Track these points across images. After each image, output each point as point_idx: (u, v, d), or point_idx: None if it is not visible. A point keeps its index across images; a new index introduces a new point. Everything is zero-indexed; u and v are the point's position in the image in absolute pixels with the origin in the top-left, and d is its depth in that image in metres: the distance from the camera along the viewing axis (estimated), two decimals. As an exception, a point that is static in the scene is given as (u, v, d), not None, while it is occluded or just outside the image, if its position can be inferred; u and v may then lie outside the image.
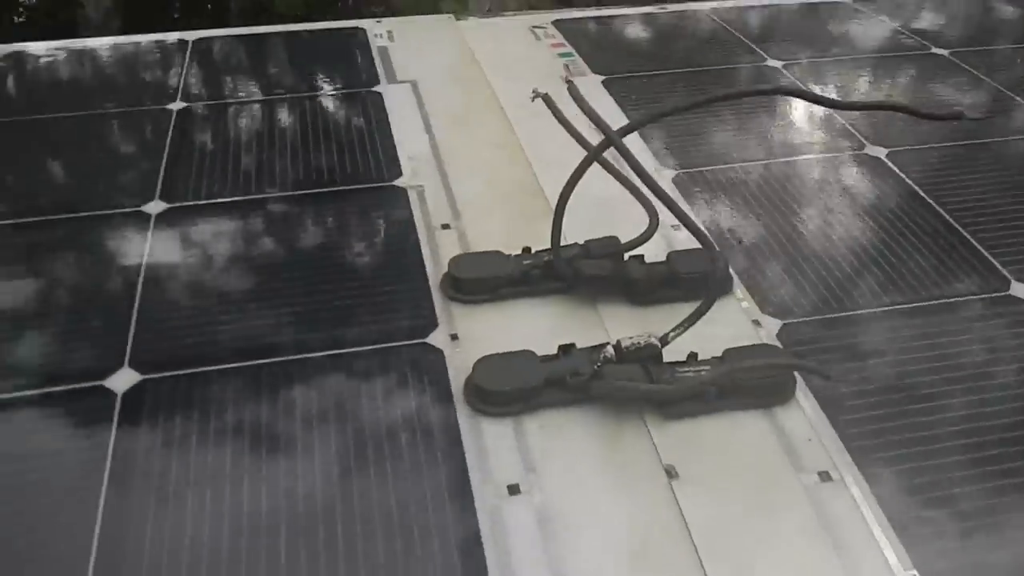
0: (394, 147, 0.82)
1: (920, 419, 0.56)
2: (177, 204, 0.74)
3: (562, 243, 0.66)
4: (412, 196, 0.75)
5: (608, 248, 0.65)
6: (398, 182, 0.77)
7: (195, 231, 0.71)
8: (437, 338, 0.61)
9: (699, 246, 0.70)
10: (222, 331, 0.61)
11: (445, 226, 0.71)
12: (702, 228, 0.56)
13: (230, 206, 0.74)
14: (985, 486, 0.52)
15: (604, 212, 0.72)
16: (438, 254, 0.68)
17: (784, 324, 0.63)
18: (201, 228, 0.71)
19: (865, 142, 0.84)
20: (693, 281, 0.63)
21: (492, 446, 0.54)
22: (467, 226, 0.71)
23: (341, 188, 0.76)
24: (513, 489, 0.52)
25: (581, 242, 0.66)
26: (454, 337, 0.61)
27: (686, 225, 0.56)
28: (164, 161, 0.79)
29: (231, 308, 0.63)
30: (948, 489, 0.52)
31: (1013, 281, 0.66)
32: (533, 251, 0.65)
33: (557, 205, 0.59)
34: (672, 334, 0.57)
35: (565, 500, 0.51)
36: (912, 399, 0.57)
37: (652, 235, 0.66)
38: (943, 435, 0.55)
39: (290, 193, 0.75)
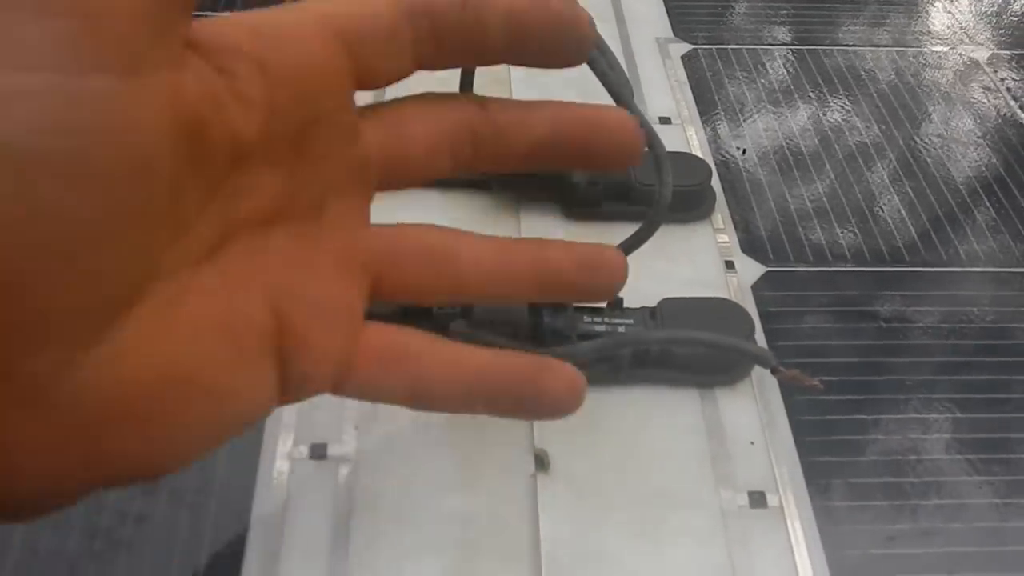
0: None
1: (929, 436, 0.39)
2: None
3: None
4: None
5: (549, 136, 0.48)
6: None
7: None
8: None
9: (684, 149, 0.53)
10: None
11: (364, 80, 0.55)
12: (643, 115, 0.39)
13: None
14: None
15: (581, 96, 0.55)
16: (340, 116, 0.53)
17: (767, 272, 0.46)
18: None
19: (965, 38, 0.63)
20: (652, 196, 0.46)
21: (312, 386, 0.40)
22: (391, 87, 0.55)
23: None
24: (317, 451, 0.38)
25: (519, 124, 0.49)
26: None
27: (613, 93, 0.38)
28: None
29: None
30: (948, 546, 0.36)
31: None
32: (453, 127, 0.49)
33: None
34: (590, 268, 0.41)
35: (383, 478, 0.37)
36: (921, 404, 0.40)
37: (616, 126, 0.48)
38: (952, 465, 0.38)
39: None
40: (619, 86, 0.38)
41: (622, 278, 0.28)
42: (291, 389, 0.24)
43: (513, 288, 0.27)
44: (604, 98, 0.39)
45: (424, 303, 0.28)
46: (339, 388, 0.26)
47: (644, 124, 0.38)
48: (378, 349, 0.26)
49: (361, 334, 0.26)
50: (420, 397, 0.26)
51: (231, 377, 0.22)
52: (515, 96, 0.55)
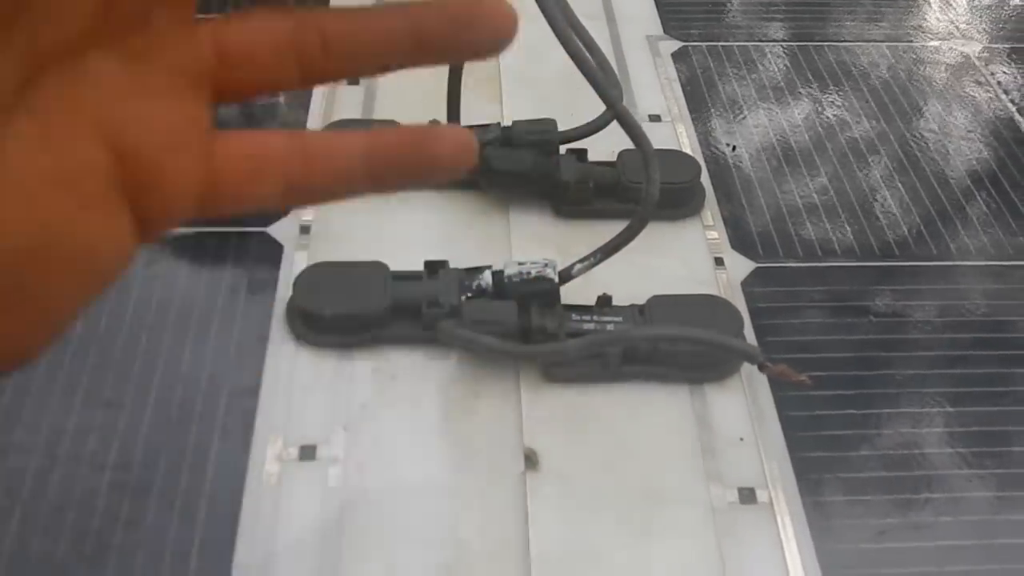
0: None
1: (919, 431, 0.39)
2: None
3: (481, 122, 0.49)
4: (329, 39, 0.59)
5: (538, 134, 0.48)
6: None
7: None
8: (281, 229, 0.46)
9: (674, 147, 0.53)
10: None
11: (353, 81, 0.55)
12: (631, 116, 0.39)
13: None
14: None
15: (572, 93, 0.55)
16: (330, 117, 0.53)
17: (757, 268, 0.46)
18: None
19: (956, 32, 0.63)
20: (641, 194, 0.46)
21: (301, 388, 0.40)
22: (382, 85, 0.55)
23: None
24: (307, 452, 0.38)
25: (509, 123, 0.49)
26: (305, 230, 0.46)
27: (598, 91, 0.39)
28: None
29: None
30: (938, 538, 0.36)
31: None
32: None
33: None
34: (579, 266, 0.41)
35: (372, 478, 0.37)
36: (912, 398, 0.40)
37: (605, 124, 0.48)
38: (944, 459, 0.38)
39: None
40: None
41: (507, 31, 0.23)
42: (152, 223, 0.22)
43: (382, 59, 0.24)
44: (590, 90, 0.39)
45: (276, 92, 0.25)
46: (206, 207, 0.23)
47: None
48: (239, 157, 0.23)
49: (216, 145, 0.23)
50: (296, 193, 0.24)
51: (80, 231, 0.20)
52: (504, 91, 0.56)
